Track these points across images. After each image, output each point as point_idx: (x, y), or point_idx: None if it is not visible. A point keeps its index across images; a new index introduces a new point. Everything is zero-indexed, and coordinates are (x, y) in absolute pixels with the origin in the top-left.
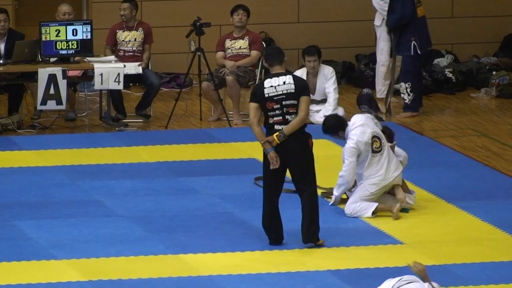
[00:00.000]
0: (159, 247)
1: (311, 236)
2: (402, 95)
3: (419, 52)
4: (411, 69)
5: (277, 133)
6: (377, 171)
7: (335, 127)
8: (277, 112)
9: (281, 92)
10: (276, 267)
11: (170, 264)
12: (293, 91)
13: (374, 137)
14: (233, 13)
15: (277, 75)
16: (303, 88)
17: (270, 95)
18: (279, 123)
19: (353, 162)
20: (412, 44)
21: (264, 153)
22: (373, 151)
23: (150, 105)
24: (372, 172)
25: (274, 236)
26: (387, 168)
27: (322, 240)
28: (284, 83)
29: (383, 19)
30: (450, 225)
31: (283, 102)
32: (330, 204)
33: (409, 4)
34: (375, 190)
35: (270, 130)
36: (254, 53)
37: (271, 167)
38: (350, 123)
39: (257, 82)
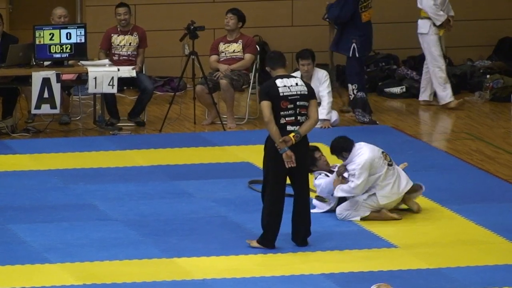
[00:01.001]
0: (153, 251)
1: (305, 238)
2: (350, 96)
3: (357, 55)
4: (356, 70)
5: (293, 134)
6: (393, 183)
7: (341, 148)
8: (290, 112)
9: (295, 93)
10: (270, 270)
11: (164, 267)
12: (306, 93)
13: (383, 152)
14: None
15: (287, 76)
16: (313, 92)
17: (285, 94)
18: (292, 124)
19: (366, 176)
20: (352, 46)
21: (270, 153)
22: (388, 164)
23: (144, 110)
24: (386, 184)
25: (272, 240)
26: (399, 182)
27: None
28: (296, 84)
29: (430, 26)
30: (444, 229)
31: (297, 103)
32: (322, 210)
33: (348, 8)
34: (384, 203)
35: (281, 130)
36: (248, 56)
37: (288, 166)
38: (355, 148)
39: (251, 86)
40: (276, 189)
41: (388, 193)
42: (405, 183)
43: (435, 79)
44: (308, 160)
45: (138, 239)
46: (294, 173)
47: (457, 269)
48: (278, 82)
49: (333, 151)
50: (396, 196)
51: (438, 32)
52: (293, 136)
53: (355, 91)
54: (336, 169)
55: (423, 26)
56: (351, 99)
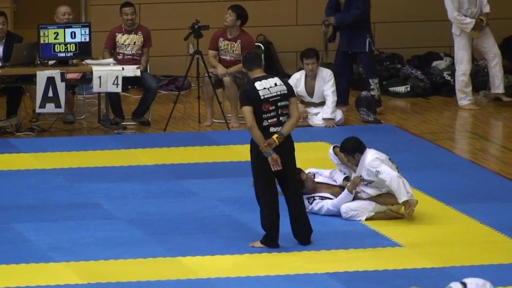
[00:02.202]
0: (157, 250)
1: (308, 237)
2: (372, 91)
3: (373, 49)
4: (373, 64)
5: (276, 135)
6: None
7: (354, 148)
8: (272, 114)
9: (275, 94)
10: (274, 269)
11: (169, 266)
12: (286, 92)
13: (390, 158)
14: None
15: (265, 77)
16: (292, 90)
17: (265, 97)
18: (274, 125)
19: (385, 166)
20: (368, 41)
21: (256, 156)
22: (397, 170)
23: (149, 110)
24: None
25: (275, 239)
26: (407, 187)
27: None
28: (275, 84)
29: (462, 29)
30: (449, 228)
31: (278, 104)
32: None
33: (368, 3)
34: (397, 207)
35: (264, 133)
36: None
37: (274, 169)
38: (365, 153)
39: None
40: (268, 189)
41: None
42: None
43: (457, 82)
44: (293, 156)
45: (143, 238)
46: (283, 174)
47: (462, 268)
48: (257, 85)
49: (346, 150)
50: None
51: (471, 35)
52: (277, 137)
53: (377, 85)
54: (348, 183)
55: (455, 28)
56: (375, 95)
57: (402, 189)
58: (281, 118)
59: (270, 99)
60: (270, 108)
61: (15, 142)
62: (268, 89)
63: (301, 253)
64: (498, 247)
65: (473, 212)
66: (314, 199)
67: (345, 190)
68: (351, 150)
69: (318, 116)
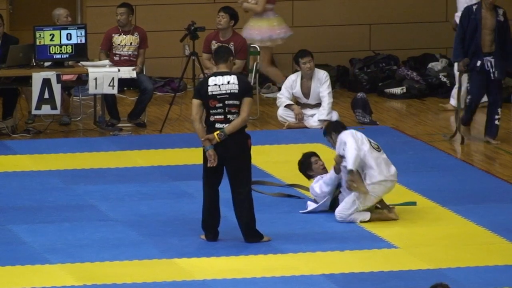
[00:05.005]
0: (153, 251)
1: (254, 235)
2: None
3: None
4: None
5: (217, 132)
6: (384, 163)
7: (331, 127)
8: (219, 110)
9: (224, 92)
10: (270, 271)
11: (165, 268)
12: (237, 91)
13: (371, 141)
14: None
15: (222, 74)
16: (247, 90)
17: (213, 93)
18: (220, 122)
19: (353, 141)
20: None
21: (203, 150)
22: (372, 147)
23: (144, 111)
24: (375, 171)
25: (208, 232)
26: (387, 168)
27: (268, 237)
28: (228, 82)
29: None
30: (445, 229)
31: (226, 102)
32: (314, 207)
33: None
34: (380, 179)
35: (210, 128)
36: (239, 62)
37: (209, 165)
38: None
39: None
40: (205, 183)
41: (379, 178)
42: (394, 171)
43: None
44: (244, 156)
45: (139, 240)
46: (227, 169)
47: (457, 270)
48: (210, 80)
49: (325, 131)
50: (391, 184)
51: None
52: (217, 134)
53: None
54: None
55: None
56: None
57: (354, 160)
58: (228, 116)
59: (218, 96)
60: (217, 105)
61: (10, 144)
62: (219, 86)
63: (297, 254)
64: (493, 249)
65: (469, 214)
66: (322, 177)
67: (331, 170)
68: (329, 130)
69: (314, 118)
